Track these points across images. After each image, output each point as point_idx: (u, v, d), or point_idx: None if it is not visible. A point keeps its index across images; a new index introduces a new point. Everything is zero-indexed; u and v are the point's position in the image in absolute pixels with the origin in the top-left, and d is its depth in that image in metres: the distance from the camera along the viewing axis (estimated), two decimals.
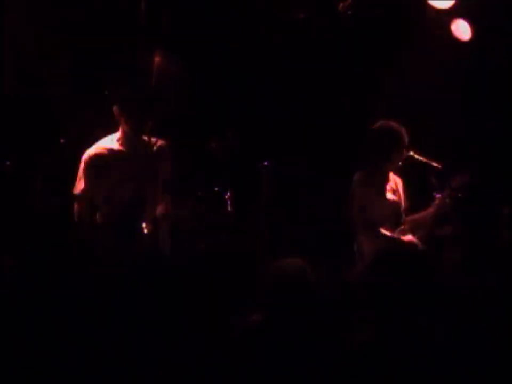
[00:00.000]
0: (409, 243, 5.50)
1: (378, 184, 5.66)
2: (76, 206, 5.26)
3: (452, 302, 3.82)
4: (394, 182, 5.79)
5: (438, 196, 5.70)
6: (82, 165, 5.21)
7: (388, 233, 5.56)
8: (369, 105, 6.58)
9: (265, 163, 5.73)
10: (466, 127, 6.63)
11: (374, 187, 5.62)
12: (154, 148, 5.15)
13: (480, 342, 3.66)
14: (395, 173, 5.83)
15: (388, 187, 5.74)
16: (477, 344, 3.63)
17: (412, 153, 5.77)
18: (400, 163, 5.70)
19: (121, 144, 5.20)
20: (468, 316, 3.93)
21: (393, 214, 5.66)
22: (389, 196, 5.69)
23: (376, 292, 3.75)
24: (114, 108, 5.15)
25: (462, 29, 6.17)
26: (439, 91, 6.49)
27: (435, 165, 5.75)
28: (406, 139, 5.63)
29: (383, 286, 3.66)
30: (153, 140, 5.15)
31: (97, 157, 5.18)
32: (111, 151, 5.19)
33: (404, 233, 5.62)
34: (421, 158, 5.78)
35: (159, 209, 5.14)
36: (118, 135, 5.23)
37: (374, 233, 5.51)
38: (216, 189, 5.86)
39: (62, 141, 5.84)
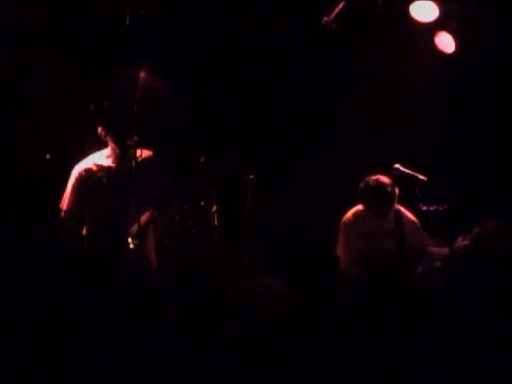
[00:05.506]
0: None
1: (364, 227, 5.66)
2: (62, 220, 5.28)
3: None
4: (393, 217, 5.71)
5: (424, 207, 5.68)
6: (71, 180, 5.25)
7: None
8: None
9: (251, 176, 5.74)
10: (450, 144, 6.67)
11: (358, 230, 5.64)
12: (141, 160, 5.18)
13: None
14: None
15: (386, 226, 5.68)
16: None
17: (398, 166, 5.78)
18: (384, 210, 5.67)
19: (110, 160, 5.26)
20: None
21: (378, 256, 5.62)
22: (374, 240, 5.65)
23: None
24: (99, 129, 5.21)
25: (445, 42, 6.19)
26: (424, 104, 6.52)
27: (421, 177, 5.75)
28: (388, 193, 5.60)
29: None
30: (139, 152, 5.18)
31: (86, 172, 5.23)
32: (100, 167, 5.25)
33: None
34: (406, 171, 5.78)
35: (142, 218, 5.12)
36: (108, 151, 5.27)
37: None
38: (202, 203, 5.89)
39: (48, 156, 5.86)
